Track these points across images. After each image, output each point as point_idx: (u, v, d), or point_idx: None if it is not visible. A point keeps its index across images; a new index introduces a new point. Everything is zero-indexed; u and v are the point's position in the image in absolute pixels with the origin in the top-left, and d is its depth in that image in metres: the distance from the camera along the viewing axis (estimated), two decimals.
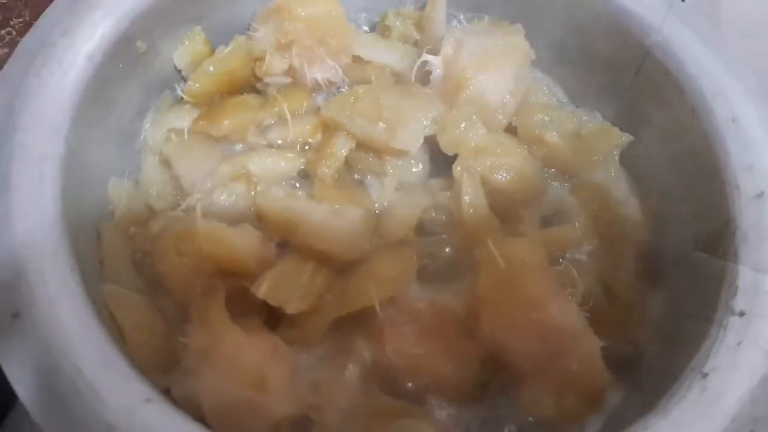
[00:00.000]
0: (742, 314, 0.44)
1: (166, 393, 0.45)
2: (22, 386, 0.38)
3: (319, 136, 0.61)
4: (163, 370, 0.47)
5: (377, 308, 0.49)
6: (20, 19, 0.76)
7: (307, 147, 0.61)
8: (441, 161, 0.61)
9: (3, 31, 0.77)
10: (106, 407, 0.37)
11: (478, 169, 0.58)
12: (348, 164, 0.61)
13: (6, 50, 0.74)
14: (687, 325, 0.48)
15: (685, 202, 0.55)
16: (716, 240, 0.49)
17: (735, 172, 0.50)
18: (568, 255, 0.57)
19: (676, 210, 0.56)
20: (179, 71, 0.62)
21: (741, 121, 0.52)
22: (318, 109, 0.61)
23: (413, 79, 0.61)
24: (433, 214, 0.59)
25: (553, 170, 0.62)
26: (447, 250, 0.58)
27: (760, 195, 0.48)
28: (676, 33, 0.57)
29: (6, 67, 0.50)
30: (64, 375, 0.38)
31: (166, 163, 0.57)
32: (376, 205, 0.59)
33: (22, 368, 0.39)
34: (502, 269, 0.48)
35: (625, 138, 0.60)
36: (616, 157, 0.61)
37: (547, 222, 0.60)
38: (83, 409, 0.37)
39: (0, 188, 0.44)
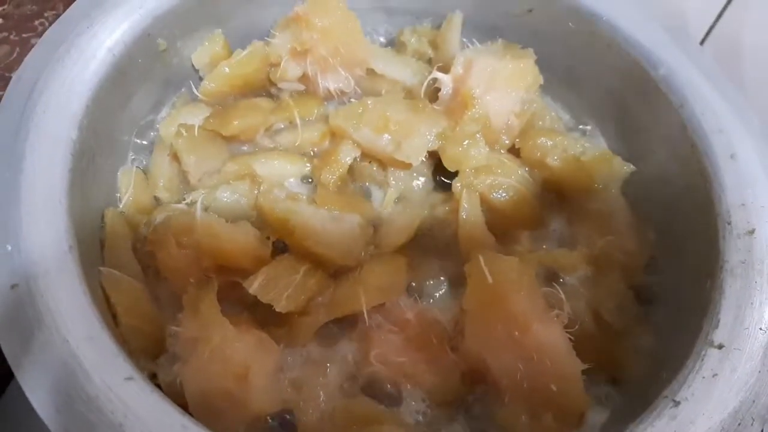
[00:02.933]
0: (720, 347, 0.45)
1: (153, 378, 0.47)
2: (14, 356, 0.40)
3: (326, 143, 0.62)
4: (152, 355, 0.49)
5: (365, 315, 0.50)
6: (54, 11, 0.80)
7: (313, 153, 0.63)
8: (443, 177, 0.62)
9: (36, 22, 0.80)
10: (88, 380, 0.39)
11: (478, 186, 0.59)
12: (352, 173, 0.62)
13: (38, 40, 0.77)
14: (670, 354, 0.49)
15: (680, 234, 0.56)
16: (705, 273, 0.50)
17: (729, 208, 0.51)
18: (560, 278, 0.57)
19: (671, 241, 0.57)
20: (197, 71, 0.65)
21: (739, 158, 0.53)
22: (327, 117, 0.62)
23: (423, 95, 0.63)
24: (431, 228, 0.60)
25: (553, 194, 0.63)
26: (441, 264, 0.59)
27: (751, 232, 0.49)
28: (683, 69, 0.58)
29: (31, 52, 0.52)
30: (53, 346, 0.40)
31: (175, 157, 0.59)
32: (376, 214, 0.60)
33: (16, 337, 0.40)
34: (489, 285, 0.49)
35: (627, 168, 0.60)
36: (617, 187, 0.62)
37: (543, 245, 0.61)
38: (67, 380, 0.39)
39: (13, 166, 0.46)
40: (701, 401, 0.42)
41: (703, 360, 0.44)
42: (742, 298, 0.47)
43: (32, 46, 0.76)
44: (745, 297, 0.47)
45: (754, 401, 0.43)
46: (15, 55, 0.77)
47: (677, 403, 0.42)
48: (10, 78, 0.73)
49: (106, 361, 0.40)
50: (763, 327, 0.45)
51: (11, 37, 0.79)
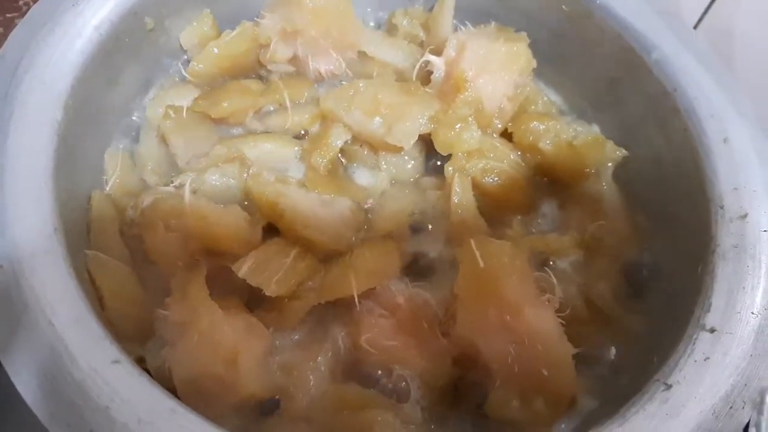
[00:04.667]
0: (712, 330, 0.45)
1: (140, 362, 0.46)
2: None
3: (316, 126, 0.62)
4: (139, 339, 0.48)
5: (356, 299, 0.50)
6: None
7: (303, 136, 0.62)
8: (435, 160, 0.62)
9: (20, 2, 0.79)
10: (74, 363, 0.38)
11: (470, 170, 0.59)
12: (342, 156, 0.61)
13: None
14: (661, 338, 0.49)
15: (672, 218, 0.55)
16: (697, 257, 0.50)
17: (721, 193, 0.51)
18: (551, 263, 0.57)
19: (663, 226, 0.57)
20: (185, 51, 0.63)
21: (732, 143, 0.53)
22: (318, 100, 0.61)
23: (414, 78, 0.62)
24: (422, 212, 0.60)
25: (545, 179, 0.63)
26: (432, 248, 0.58)
27: (743, 216, 0.49)
28: (676, 54, 0.58)
29: (15, 30, 0.51)
30: (38, 329, 0.39)
31: (163, 139, 0.58)
32: (367, 198, 0.60)
33: (0, 320, 0.40)
34: (481, 269, 0.49)
35: (619, 152, 0.60)
36: (609, 171, 0.61)
37: (535, 230, 0.61)
38: (54, 364, 0.38)
39: None
40: (693, 385, 0.42)
41: (694, 344, 0.44)
42: (734, 283, 0.47)
43: (16, 25, 0.75)
44: (737, 281, 0.47)
45: (745, 385, 0.43)
46: None
47: (669, 387, 0.42)
48: None
49: (93, 344, 0.39)
50: (754, 311, 0.45)
51: None
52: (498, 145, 0.61)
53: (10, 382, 0.38)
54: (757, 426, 0.52)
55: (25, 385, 0.38)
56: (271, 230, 0.55)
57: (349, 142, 0.60)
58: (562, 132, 0.61)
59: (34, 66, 0.49)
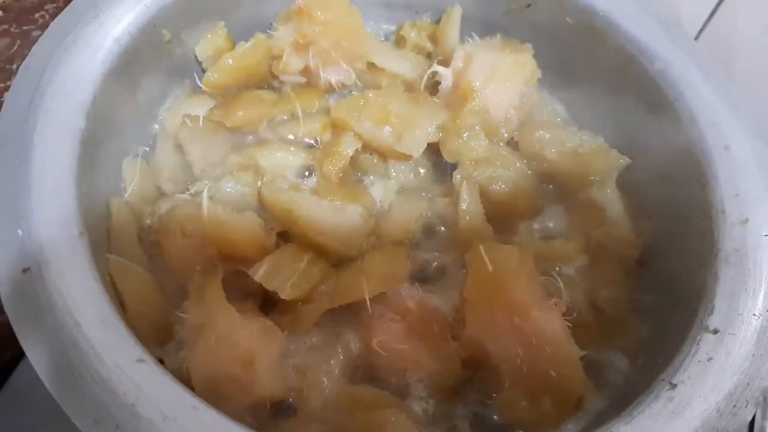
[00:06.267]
0: (715, 332, 0.46)
1: (160, 364, 0.47)
2: (27, 340, 0.41)
3: (327, 135, 0.63)
4: (158, 342, 0.49)
5: (368, 303, 0.51)
6: (54, 4, 0.80)
7: (315, 145, 0.64)
8: (443, 168, 0.63)
9: (37, 14, 0.80)
10: (101, 362, 0.39)
11: (478, 178, 0.60)
12: (353, 164, 0.63)
13: (39, 33, 0.77)
14: (666, 340, 0.50)
15: (675, 224, 0.57)
16: (700, 261, 0.51)
17: (723, 199, 0.52)
18: (558, 268, 0.59)
19: (666, 231, 0.58)
20: (200, 62, 0.65)
21: (732, 150, 0.54)
22: (329, 110, 0.63)
23: (423, 88, 0.63)
24: (431, 218, 0.61)
25: (550, 186, 0.64)
26: (441, 254, 0.60)
27: (745, 221, 0.50)
28: (678, 64, 0.60)
29: (39, 42, 0.53)
30: (65, 329, 0.40)
31: (179, 148, 0.59)
32: (377, 205, 0.61)
33: (28, 321, 0.41)
34: (490, 273, 0.50)
35: (623, 161, 0.62)
36: (613, 178, 0.63)
37: (541, 236, 0.62)
38: (80, 363, 0.39)
39: (23, 153, 0.47)
40: (697, 384, 0.44)
41: (698, 344, 0.46)
42: (736, 285, 0.48)
43: (33, 38, 0.77)
44: (739, 284, 0.48)
45: (748, 384, 0.44)
46: (16, 47, 0.77)
47: (674, 386, 0.44)
48: (11, 70, 0.73)
49: (118, 344, 0.40)
50: (756, 313, 0.47)
51: (12, 29, 0.79)
52: (504, 153, 0.62)
53: (35, 376, 0.39)
54: (761, 429, 0.53)
55: (52, 382, 0.39)
56: (283, 236, 0.57)
57: (360, 150, 0.62)
58: (567, 140, 0.62)
59: (57, 76, 0.50)
